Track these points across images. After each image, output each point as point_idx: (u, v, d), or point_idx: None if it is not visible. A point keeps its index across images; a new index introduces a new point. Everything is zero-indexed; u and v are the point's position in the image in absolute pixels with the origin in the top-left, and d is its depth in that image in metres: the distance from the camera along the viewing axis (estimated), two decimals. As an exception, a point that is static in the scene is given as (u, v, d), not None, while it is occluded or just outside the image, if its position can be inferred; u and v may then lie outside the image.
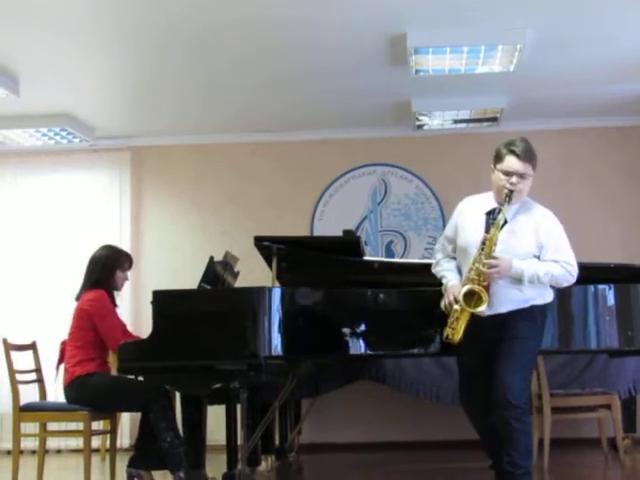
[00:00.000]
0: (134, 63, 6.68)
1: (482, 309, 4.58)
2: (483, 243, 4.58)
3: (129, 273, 6.24)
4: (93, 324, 5.81)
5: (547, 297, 4.78)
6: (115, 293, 6.16)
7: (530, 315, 4.69)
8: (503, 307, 4.67)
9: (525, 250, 4.65)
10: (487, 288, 4.60)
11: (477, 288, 4.58)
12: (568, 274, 4.66)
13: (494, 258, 4.55)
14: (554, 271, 4.63)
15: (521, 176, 4.61)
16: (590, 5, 5.68)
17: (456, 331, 4.67)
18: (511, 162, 4.62)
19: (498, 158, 4.69)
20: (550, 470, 6.43)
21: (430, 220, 8.46)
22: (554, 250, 4.65)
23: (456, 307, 4.64)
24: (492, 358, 4.69)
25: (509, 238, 4.63)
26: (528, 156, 4.63)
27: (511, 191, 4.59)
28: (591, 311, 5.57)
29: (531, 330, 4.69)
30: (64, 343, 6.06)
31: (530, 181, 4.67)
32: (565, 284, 4.73)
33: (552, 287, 4.81)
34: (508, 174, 4.61)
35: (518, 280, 4.61)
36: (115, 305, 6.06)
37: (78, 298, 5.98)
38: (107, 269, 6.00)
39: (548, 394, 6.51)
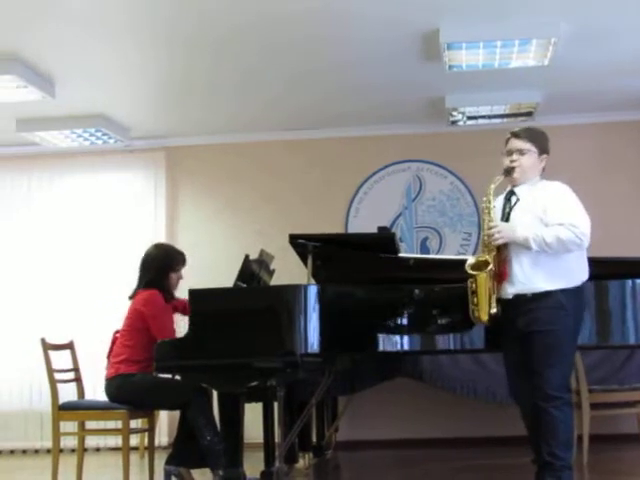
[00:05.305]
0: (167, 62, 6.71)
1: (490, 268, 4.74)
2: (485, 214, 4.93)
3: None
4: (146, 325, 5.83)
5: (573, 279, 4.75)
6: None
7: (556, 302, 4.69)
8: (524, 286, 4.74)
9: (530, 222, 4.76)
10: (503, 266, 4.78)
11: (481, 257, 4.83)
12: (574, 236, 4.63)
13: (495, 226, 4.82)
14: (560, 234, 4.64)
15: (520, 152, 4.89)
16: (625, -4, 5.65)
17: (479, 308, 4.79)
18: (509, 142, 4.95)
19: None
20: (590, 466, 6.39)
21: (465, 216, 8.43)
22: (559, 213, 4.71)
23: (470, 280, 4.82)
24: (527, 351, 4.73)
25: (517, 214, 4.84)
26: (525, 133, 4.93)
27: (511, 167, 4.88)
28: (629, 306, 5.51)
29: (560, 319, 4.69)
30: (117, 333, 6.11)
31: (531, 157, 4.90)
32: (573, 247, 4.67)
33: (581, 275, 4.82)
34: (509, 153, 4.92)
35: (528, 249, 4.70)
36: (173, 298, 6.09)
37: (132, 297, 6.02)
38: (160, 272, 6.01)
39: (587, 390, 6.47)
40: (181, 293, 6.26)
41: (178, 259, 6.14)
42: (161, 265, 6.03)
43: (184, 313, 6.06)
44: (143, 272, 6.04)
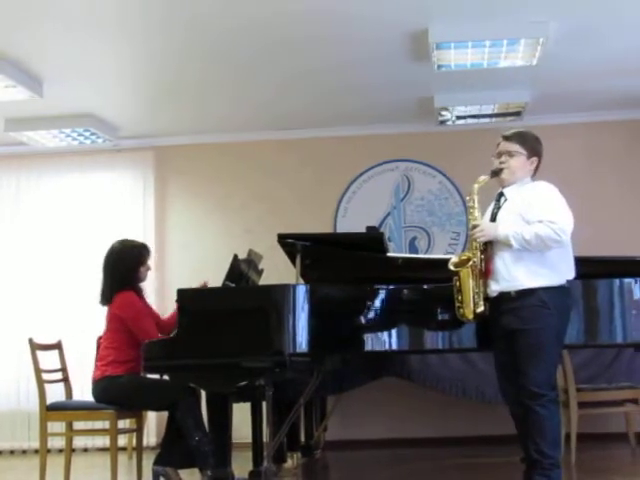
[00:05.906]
0: (158, 63, 6.69)
1: (471, 264, 4.85)
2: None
3: (152, 263, 6.24)
4: (126, 327, 5.81)
5: (556, 277, 4.78)
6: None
7: (538, 300, 4.72)
8: (508, 283, 4.79)
9: (515, 222, 4.81)
10: (488, 263, 4.86)
11: (463, 255, 4.93)
12: (553, 232, 4.66)
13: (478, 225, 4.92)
14: (539, 230, 4.69)
15: (509, 154, 4.95)
16: (613, -4, 5.65)
17: (464, 305, 4.87)
18: (500, 145, 5.02)
19: None
20: (577, 464, 6.40)
21: (454, 215, 8.44)
22: (539, 211, 4.76)
23: (455, 278, 4.91)
24: (512, 349, 4.76)
25: (503, 214, 4.91)
26: (515, 136, 4.99)
27: (499, 169, 4.95)
28: (617, 305, 5.52)
29: (543, 317, 4.72)
30: (100, 339, 6.10)
31: (520, 159, 4.95)
32: (552, 244, 4.70)
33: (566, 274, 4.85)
34: (498, 155, 4.99)
35: (510, 247, 4.76)
36: (142, 297, 6.07)
37: (105, 301, 5.98)
38: (130, 270, 5.99)
39: (574, 389, 6.48)
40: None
41: (144, 252, 6.12)
42: (130, 262, 6.01)
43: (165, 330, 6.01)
44: (112, 271, 5.98)
